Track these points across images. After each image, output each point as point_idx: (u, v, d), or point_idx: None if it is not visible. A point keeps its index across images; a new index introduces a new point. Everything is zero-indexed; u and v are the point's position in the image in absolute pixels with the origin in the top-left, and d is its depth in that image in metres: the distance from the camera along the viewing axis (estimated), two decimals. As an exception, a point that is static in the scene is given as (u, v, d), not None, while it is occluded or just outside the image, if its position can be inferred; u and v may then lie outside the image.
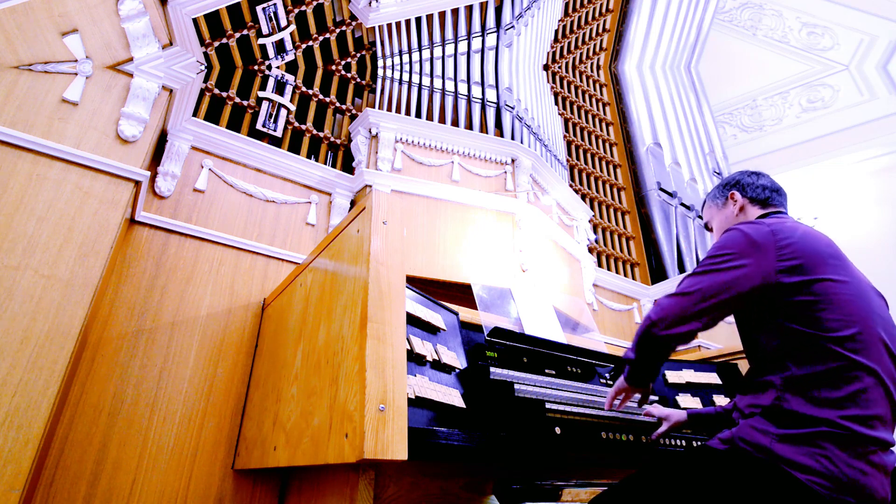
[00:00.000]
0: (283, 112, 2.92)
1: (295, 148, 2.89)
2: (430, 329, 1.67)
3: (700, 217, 4.75)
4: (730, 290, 1.18)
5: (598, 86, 5.42)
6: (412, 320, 1.57)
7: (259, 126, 2.79)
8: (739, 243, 1.22)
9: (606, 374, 2.22)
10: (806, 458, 1.01)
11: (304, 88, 3.10)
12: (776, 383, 1.13)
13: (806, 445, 1.02)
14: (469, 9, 3.71)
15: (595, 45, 5.43)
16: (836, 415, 1.03)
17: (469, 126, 3.37)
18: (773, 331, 1.17)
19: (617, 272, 4.26)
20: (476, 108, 3.40)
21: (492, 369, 1.65)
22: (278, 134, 2.85)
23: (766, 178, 1.50)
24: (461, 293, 2.61)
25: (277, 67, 3.03)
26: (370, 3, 3.27)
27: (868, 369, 1.06)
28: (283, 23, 3.02)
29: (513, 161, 3.22)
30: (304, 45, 3.15)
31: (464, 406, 1.48)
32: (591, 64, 5.40)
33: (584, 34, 5.25)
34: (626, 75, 5.45)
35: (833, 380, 1.06)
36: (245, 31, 2.88)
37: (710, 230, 1.62)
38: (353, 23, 3.33)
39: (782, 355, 1.14)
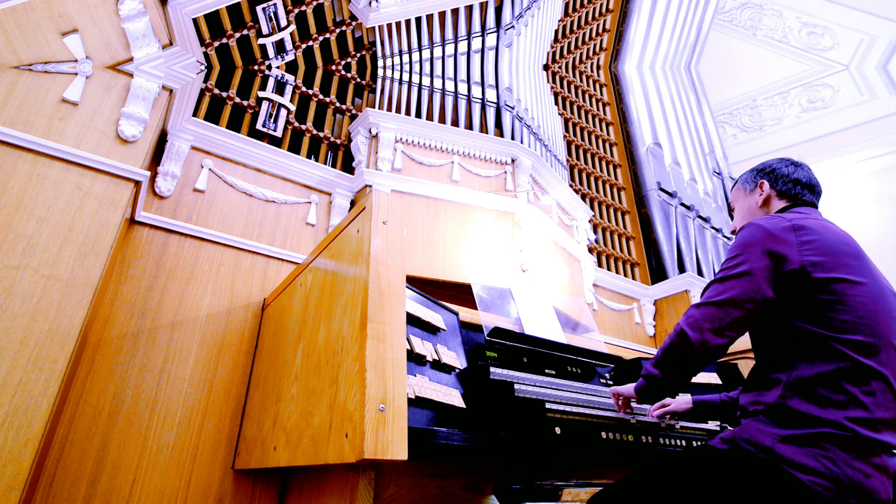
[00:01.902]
0: (283, 112, 2.92)
1: (295, 148, 2.89)
2: (430, 329, 1.67)
3: (700, 217, 4.75)
4: (760, 292, 1.14)
5: (598, 86, 5.42)
6: (412, 320, 1.57)
7: (259, 126, 2.79)
8: (759, 240, 1.18)
9: (606, 374, 2.22)
10: (808, 458, 1.01)
11: (304, 88, 3.10)
12: (782, 381, 1.11)
13: (808, 446, 1.02)
14: (469, 9, 3.71)
15: (595, 45, 5.43)
16: (840, 416, 1.02)
17: (469, 126, 3.37)
18: (782, 328, 1.15)
19: (617, 272, 4.26)
20: (476, 108, 3.40)
21: (492, 369, 1.65)
22: (278, 134, 2.85)
23: (802, 171, 1.40)
24: (461, 293, 2.61)
25: (277, 67, 3.02)
26: (370, 3, 3.27)
27: (877, 373, 1.04)
28: (283, 23, 3.02)
29: (513, 161, 3.22)
30: (304, 45, 3.15)
31: (464, 406, 1.48)
32: (591, 64, 5.40)
33: (584, 34, 5.25)
34: (626, 75, 5.45)
35: (840, 381, 1.04)
36: (245, 31, 2.88)
37: (732, 211, 1.54)
38: (353, 23, 3.33)
39: (790, 353, 1.12)
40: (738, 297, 1.15)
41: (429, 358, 1.51)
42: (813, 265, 1.12)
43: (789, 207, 1.36)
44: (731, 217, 5.28)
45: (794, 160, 1.44)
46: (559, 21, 4.83)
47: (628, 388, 1.46)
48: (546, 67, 4.70)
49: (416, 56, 3.42)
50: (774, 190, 1.41)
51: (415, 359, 1.47)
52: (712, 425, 1.80)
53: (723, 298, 1.17)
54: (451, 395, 1.46)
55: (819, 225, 1.19)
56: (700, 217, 4.74)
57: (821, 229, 1.18)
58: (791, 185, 1.39)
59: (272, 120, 2.86)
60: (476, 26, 3.66)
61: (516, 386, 1.53)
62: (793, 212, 1.30)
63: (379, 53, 3.37)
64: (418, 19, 3.49)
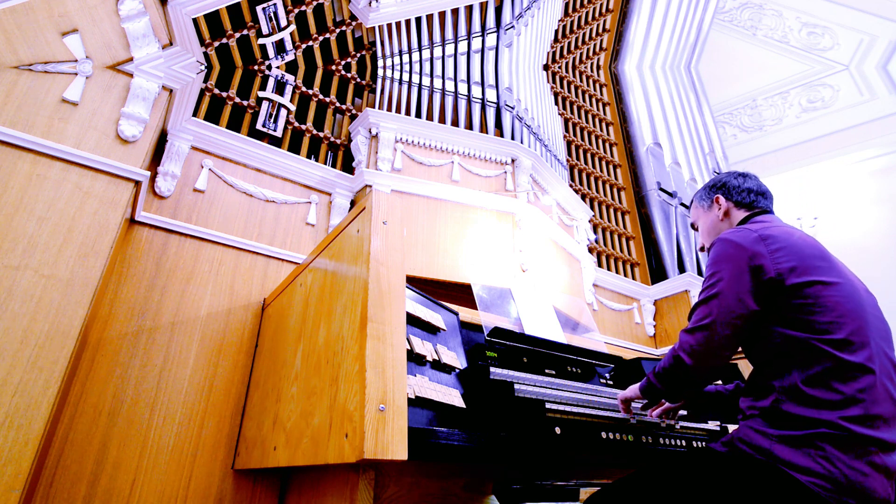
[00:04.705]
0: (283, 112, 2.92)
1: (295, 148, 2.89)
2: (430, 329, 1.67)
3: (700, 217, 4.74)
4: (744, 306, 1.16)
5: (598, 86, 5.42)
6: (412, 320, 1.57)
7: (259, 126, 2.79)
8: (732, 255, 1.21)
9: (606, 374, 2.22)
10: (805, 459, 1.01)
11: (304, 88, 3.10)
12: (775, 387, 1.12)
13: (805, 447, 1.02)
14: (469, 9, 3.71)
15: (595, 45, 5.43)
16: (835, 416, 1.02)
17: (469, 126, 3.37)
18: (768, 336, 1.17)
19: (617, 272, 4.26)
20: (476, 108, 3.40)
21: (492, 369, 1.65)
22: (278, 134, 2.85)
23: (752, 181, 1.49)
24: (461, 293, 2.61)
25: (277, 67, 3.02)
26: (370, 3, 3.27)
27: (864, 369, 1.06)
28: (283, 23, 3.02)
29: (513, 161, 3.22)
30: (304, 45, 3.15)
31: (464, 406, 1.48)
32: (591, 64, 5.40)
33: (584, 34, 5.25)
34: (626, 75, 5.45)
35: (830, 381, 1.06)
36: (245, 31, 2.88)
37: (696, 229, 1.62)
38: (353, 23, 3.33)
39: (780, 360, 1.14)
40: (724, 316, 1.17)
41: (429, 358, 1.51)
42: (786, 271, 1.15)
43: (749, 217, 1.41)
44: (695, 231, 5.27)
45: (742, 172, 1.52)
46: (559, 21, 4.83)
47: (633, 389, 1.50)
48: (546, 67, 4.70)
49: (416, 56, 3.42)
50: (731, 202, 1.48)
51: (415, 359, 1.47)
52: (712, 425, 1.80)
53: (710, 321, 1.18)
54: (451, 395, 1.46)
55: (783, 232, 1.23)
56: (700, 217, 4.74)
57: (785, 236, 1.21)
58: (745, 194, 1.46)
59: (272, 120, 2.86)
60: (476, 26, 3.66)
61: (516, 386, 1.53)
62: (755, 222, 1.34)
63: (379, 53, 3.37)
64: (418, 19, 3.49)
